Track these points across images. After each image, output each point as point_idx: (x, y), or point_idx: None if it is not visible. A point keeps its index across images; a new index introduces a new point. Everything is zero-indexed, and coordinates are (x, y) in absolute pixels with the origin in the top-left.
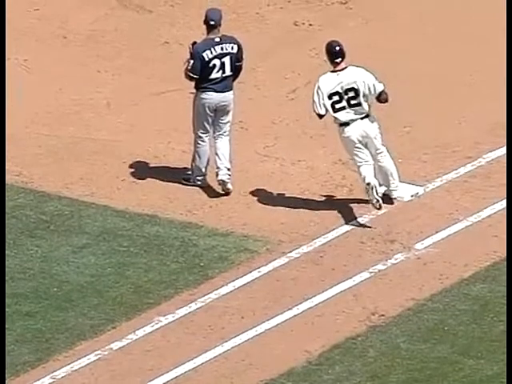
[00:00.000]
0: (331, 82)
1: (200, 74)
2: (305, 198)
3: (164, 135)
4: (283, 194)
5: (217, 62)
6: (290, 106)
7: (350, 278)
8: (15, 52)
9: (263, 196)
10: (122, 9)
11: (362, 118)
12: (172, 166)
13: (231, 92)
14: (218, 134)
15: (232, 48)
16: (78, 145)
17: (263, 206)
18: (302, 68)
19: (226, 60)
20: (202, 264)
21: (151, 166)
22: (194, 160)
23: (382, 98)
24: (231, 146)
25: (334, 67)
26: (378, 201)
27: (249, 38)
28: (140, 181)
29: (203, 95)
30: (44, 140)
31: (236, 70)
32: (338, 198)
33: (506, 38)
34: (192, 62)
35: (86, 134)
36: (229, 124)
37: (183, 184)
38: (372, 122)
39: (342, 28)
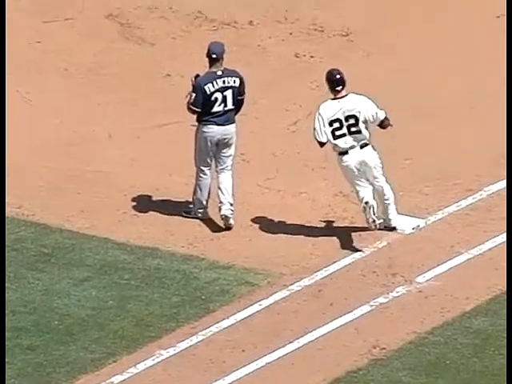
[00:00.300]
0: (332, 108)
1: (202, 108)
2: (306, 230)
3: (165, 168)
4: (284, 227)
5: (219, 95)
6: (291, 138)
7: (351, 311)
8: (17, 84)
9: (264, 228)
10: (123, 41)
11: (361, 147)
12: (173, 199)
13: (233, 125)
14: (220, 167)
15: (234, 82)
16: (79, 177)
17: (264, 238)
18: (304, 100)
19: (228, 93)
20: (203, 297)
21: (152, 198)
22: (195, 193)
23: (384, 124)
24: (233, 179)
25: (335, 95)
26: (374, 220)
27: (250, 71)
28: (141, 213)
29: (205, 128)
30: (45, 172)
31: (238, 103)
32: (340, 230)
33: (506, 72)
34: (194, 95)
35: (87, 167)
36: (231, 157)
37: (184, 217)
38: (372, 151)
39: (343, 60)
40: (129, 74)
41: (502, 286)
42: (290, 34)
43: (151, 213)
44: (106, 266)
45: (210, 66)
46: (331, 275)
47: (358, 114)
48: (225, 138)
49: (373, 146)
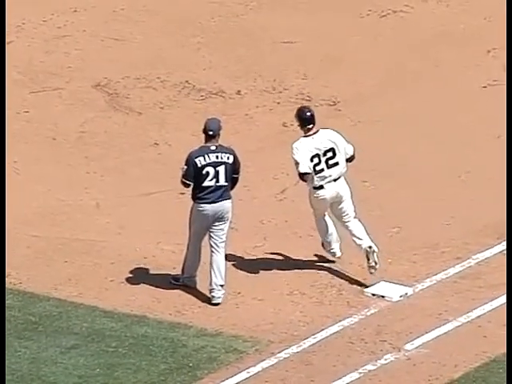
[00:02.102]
0: (309, 145)
1: (194, 181)
2: (294, 297)
3: (153, 236)
4: (272, 294)
5: (210, 169)
6: (279, 206)
7: (340, 378)
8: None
9: (252, 296)
10: (111, 111)
11: (335, 180)
12: (161, 267)
13: (228, 201)
14: (213, 242)
15: (228, 158)
16: (67, 246)
17: (252, 306)
18: (291, 169)
19: (221, 169)
20: (190, 365)
21: (140, 266)
22: (185, 261)
23: (351, 159)
24: (226, 258)
25: (306, 132)
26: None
27: (238, 139)
28: (129, 281)
29: (199, 207)
30: (32, 241)
31: (232, 181)
32: (328, 298)
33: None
34: (185, 167)
35: (74, 235)
36: (224, 234)
37: (172, 284)
38: (344, 182)
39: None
40: (116, 142)
41: (491, 353)
42: (278, 103)
43: (139, 281)
44: (94, 334)
45: (206, 142)
46: (319, 343)
47: (335, 147)
48: (219, 214)
49: (345, 178)
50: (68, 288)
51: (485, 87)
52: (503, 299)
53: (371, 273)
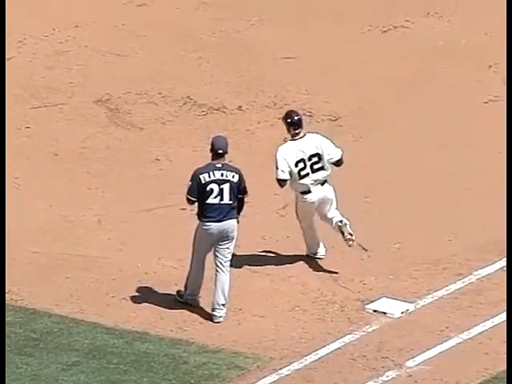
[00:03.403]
0: (295, 149)
1: (198, 198)
2: (295, 314)
3: (154, 251)
4: (274, 311)
5: (215, 187)
6: (280, 222)
7: None
8: (6, 169)
9: (253, 312)
10: (112, 126)
11: (322, 184)
12: (162, 283)
13: (234, 220)
14: (218, 261)
15: (233, 176)
16: (68, 262)
17: (254, 322)
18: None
19: (225, 187)
20: (192, 381)
21: (141, 282)
22: (188, 279)
23: (339, 162)
24: (231, 277)
25: (293, 136)
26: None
27: (239, 155)
28: (130, 297)
29: (204, 226)
30: (34, 257)
31: (239, 202)
32: (329, 314)
33: (502, 158)
34: (190, 183)
35: (76, 251)
36: (230, 252)
37: (176, 300)
38: (329, 186)
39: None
40: (118, 158)
41: (492, 370)
42: (279, 118)
43: (140, 297)
44: (95, 351)
45: (213, 160)
46: (321, 359)
47: (320, 152)
48: (224, 233)
49: (330, 182)
50: (69, 304)
51: (486, 102)
52: (504, 316)
53: (349, 245)
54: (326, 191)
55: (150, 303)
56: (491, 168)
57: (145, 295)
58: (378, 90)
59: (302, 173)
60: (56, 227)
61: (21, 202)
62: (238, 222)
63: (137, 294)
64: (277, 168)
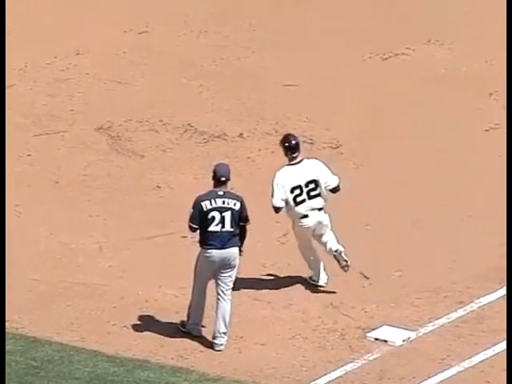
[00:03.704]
0: (292, 175)
1: (200, 226)
2: (296, 342)
3: (155, 279)
4: (275, 339)
5: (216, 214)
6: (281, 249)
7: None
8: (6, 197)
9: (254, 340)
10: (113, 154)
11: (319, 210)
12: (163, 311)
13: (235, 248)
14: (220, 289)
15: (234, 204)
16: (69, 289)
17: (254, 350)
18: None
19: (227, 215)
20: None
21: (142, 310)
22: (190, 308)
23: (336, 189)
24: (232, 305)
25: (291, 161)
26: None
27: (240, 182)
28: (131, 325)
29: (206, 253)
30: (34, 285)
31: (241, 229)
32: (330, 342)
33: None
34: (191, 211)
35: (76, 279)
36: (231, 281)
37: (179, 329)
38: (324, 213)
39: (333, 172)
40: (119, 185)
41: None
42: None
43: (141, 325)
44: (96, 379)
45: (215, 187)
46: None
47: (317, 178)
48: (226, 261)
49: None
50: (70, 332)
51: (487, 130)
52: (506, 344)
53: (345, 271)
54: (322, 217)
55: (150, 331)
56: (492, 196)
57: (146, 323)
58: (379, 117)
59: (298, 199)
60: (57, 255)
61: (22, 229)
62: (241, 251)
63: (138, 321)
64: (272, 195)
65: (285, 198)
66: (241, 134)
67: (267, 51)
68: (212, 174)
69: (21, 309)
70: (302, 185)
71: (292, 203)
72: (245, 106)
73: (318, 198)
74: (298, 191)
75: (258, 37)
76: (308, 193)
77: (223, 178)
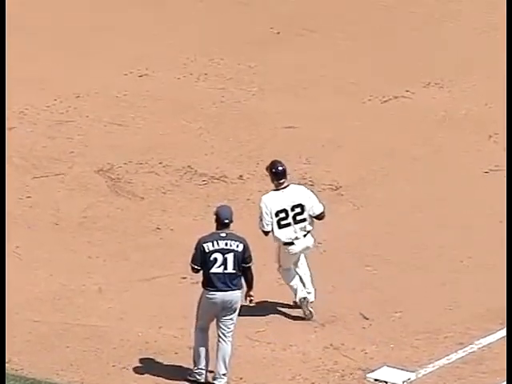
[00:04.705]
0: (278, 199)
1: (202, 267)
2: (296, 383)
3: (155, 321)
4: (275, 379)
5: (219, 256)
6: (280, 290)
7: None
8: (6, 239)
9: (255, 381)
10: (113, 196)
11: (304, 236)
12: (163, 352)
13: (238, 291)
14: (221, 332)
15: (237, 246)
16: (69, 331)
17: None
18: None
19: (230, 256)
20: None
21: (142, 351)
22: (194, 353)
23: (321, 216)
24: (233, 348)
25: (277, 186)
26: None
27: (240, 224)
28: (131, 367)
29: (208, 295)
30: (34, 326)
31: (244, 271)
32: (330, 383)
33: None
34: (194, 252)
35: (76, 320)
36: (233, 324)
37: (186, 380)
38: (311, 237)
39: (333, 214)
40: (119, 227)
41: None
42: None
43: (141, 366)
44: None
45: (217, 229)
46: None
47: (303, 203)
48: (228, 303)
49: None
50: (70, 373)
51: (486, 172)
52: None
53: (309, 319)
54: (308, 242)
55: (150, 372)
56: (492, 237)
57: (145, 364)
58: (379, 159)
59: (282, 223)
60: (56, 296)
61: (21, 271)
62: (251, 295)
63: (137, 363)
64: (260, 219)
65: (271, 221)
66: (240, 176)
67: (267, 94)
68: (215, 217)
69: (20, 350)
70: (288, 208)
71: (276, 226)
72: (244, 148)
73: (304, 223)
74: (282, 214)
75: (257, 79)
76: (294, 217)
77: (226, 221)
